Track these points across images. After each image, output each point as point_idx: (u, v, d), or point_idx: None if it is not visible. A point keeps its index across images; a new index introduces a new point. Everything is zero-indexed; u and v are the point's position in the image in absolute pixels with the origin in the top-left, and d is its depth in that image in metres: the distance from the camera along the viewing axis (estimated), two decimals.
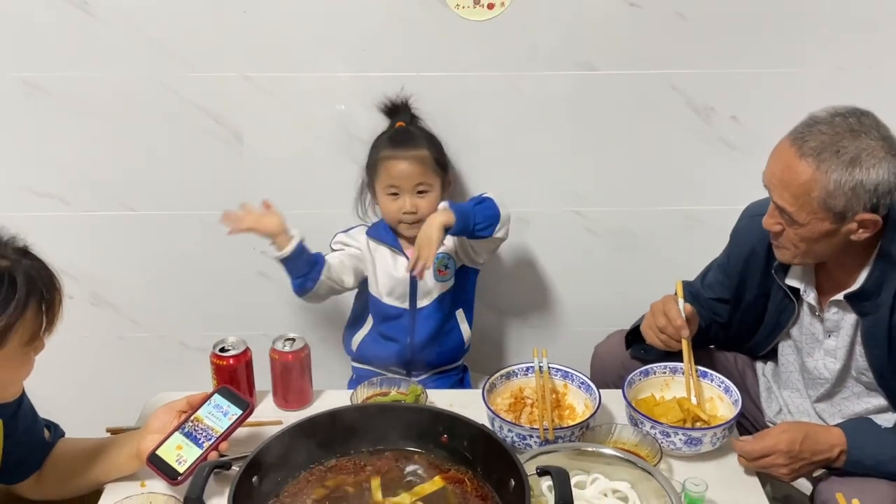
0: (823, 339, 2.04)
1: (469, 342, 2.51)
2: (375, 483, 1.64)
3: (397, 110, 2.44)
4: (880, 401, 2.03)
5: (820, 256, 1.91)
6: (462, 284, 2.45)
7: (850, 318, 1.97)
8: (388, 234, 2.41)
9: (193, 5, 2.38)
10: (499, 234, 2.30)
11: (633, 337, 2.20)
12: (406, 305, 2.41)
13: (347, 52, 2.45)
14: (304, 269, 2.30)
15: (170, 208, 2.62)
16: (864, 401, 2.06)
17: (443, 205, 2.23)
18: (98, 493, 1.78)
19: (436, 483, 1.62)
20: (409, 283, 2.38)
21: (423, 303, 2.41)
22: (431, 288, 2.41)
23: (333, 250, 2.44)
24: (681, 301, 2.08)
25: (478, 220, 2.23)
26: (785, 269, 2.03)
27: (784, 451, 1.83)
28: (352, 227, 2.46)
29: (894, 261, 1.86)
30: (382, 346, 2.44)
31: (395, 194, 2.32)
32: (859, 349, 1.98)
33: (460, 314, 2.48)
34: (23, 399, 1.70)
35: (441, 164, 2.37)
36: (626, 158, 2.60)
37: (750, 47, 2.47)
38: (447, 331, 2.46)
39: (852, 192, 1.76)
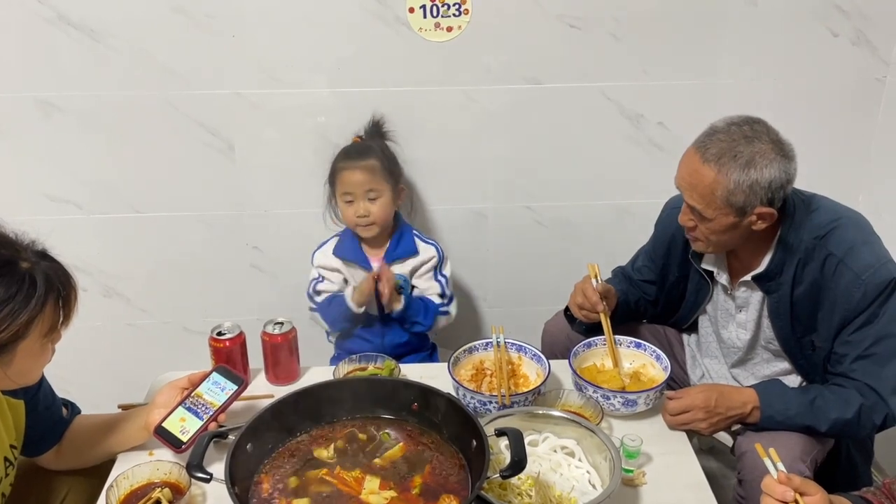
0: (735, 314, 2.06)
1: (434, 336, 2.49)
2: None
3: (372, 126, 2.42)
4: (786, 365, 2.05)
5: (728, 245, 1.93)
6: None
7: (756, 296, 1.99)
8: (353, 249, 2.36)
9: (188, 30, 2.34)
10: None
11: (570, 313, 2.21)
12: (375, 312, 2.36)
13: (326, 71, 2.43)
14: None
15: (171, 210, 2.59)
16: (772, 365, 2.08)
17: (400, 299, 2.29)
18: (111, 462, 1.76)
19: (401, 447, 1.61)
20: (375, 295, 2.31)
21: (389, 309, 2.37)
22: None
23: (316, 270, 2.40)
24: (593, 280, 2.08)
25: (418, 319, 2.34)
26: (700, 255, 2.05)
27: (701, 407, 1.85)
28: (324, 243, 2.40)
29: (791, 247, 1.88)
30: (358, 345, 2.38)
31: (351, 201, 2.28)
32: (766, 322, 2.00)
33: None
34: (42, 382, 1.67)
35: (392, 172, 2.33)
36: (569, 159, 2.60)
37: (673, 63, 2.48)
38: (413, 335, 2.42)
39: (750, 190, 1.77)
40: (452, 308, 2.40)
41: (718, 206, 1.81)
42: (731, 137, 1.78)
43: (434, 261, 2.38)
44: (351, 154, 2.32)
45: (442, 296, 2.38)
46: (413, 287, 2.38)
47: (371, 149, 2.33)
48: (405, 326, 2.36)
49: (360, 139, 2.40)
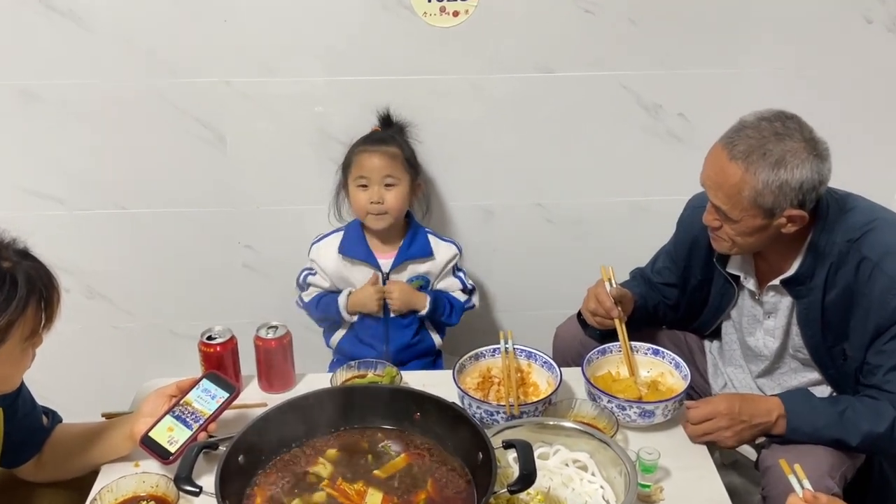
0: (763, 320, 2.06)
1: (440, 343, 2.50)
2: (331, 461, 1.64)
3: (387, 122, 2.45)
4: (815, 375, 2.06)
5: (754, 247, 1.93)
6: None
7: (786, 301, 1.99)
8: (360, 246, 2.38)
9: (177, 15, 2.35)
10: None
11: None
12: (381, 314, 2.38)
13: (323, 58, 2.44)
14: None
15: (159, 206, 2.60)
16: (800, 375, 2.08)
17: (425, 297, 2.36)
18: (94, 473, 1.77)
19: (403, 460, 1.63)
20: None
21: (395, 314, 2.39)
22: None
23: (309, 268, 2.44)
24: (607, 284, 2.09)
25: (443, 320, 2.44)
26: (725, 257, 2.05)
27: (724, 414, 1.85)
28: (325, 236, 2.43)
29: (823, 249, 1.88)
30: (359, 349, 2.40)
31: (365, 186, 2.31)
32: (795, 329, 2.00)
33: (429, 325, 2.46)
34: (21, 388, 1.68)
35: (411, 163, 2.36)
36: (582, 153, 2.60)
37: (694, 50, 2.48)
38: (419, 340, 2.44)
39: (779, 191, 1.77)
40: (476, 300, 2.50)
41: (745, 207, 1.81)
42: (760, 134, 1.78)
43: (456, 259, 2.43)
44: (371, 139, 2.36)
45: (464, 290, 2.45)
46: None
47: (393, 138, 2.37)
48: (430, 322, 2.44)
49: (378, 129, 2.43)
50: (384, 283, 2.37)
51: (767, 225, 1.84)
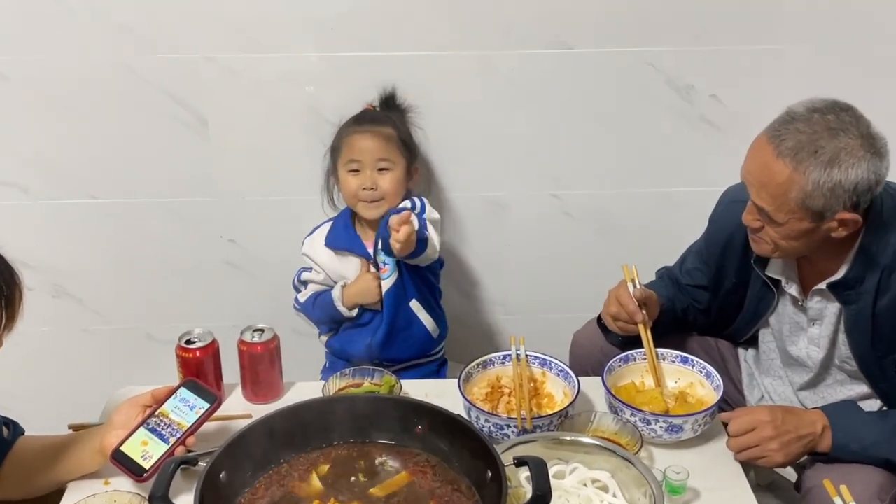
0: (807, 328, 2.06)
1: (439, 332, 2.49)
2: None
3: (389, 103, 2.45)
4: (863, 388, 2.05)
5: (799, 252, 1.92)
6: (409, 277, 2.38)
7: (833, 307, 1.98)
8: (346, 236, 2.39)
9: None
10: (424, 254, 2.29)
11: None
12: (380, 306, 2.38)
13: (316, 32, 2.44)
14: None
15: (133, 196, 2.60)
16: (847, 388, 2.08)
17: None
18: (60, 492, 1.76)
19: (403, 478, 1.63)
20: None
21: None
22: None
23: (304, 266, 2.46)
24: (630, 285, 2.09)
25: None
26: (765, 260, 2.04)
27: (768, 422, 1.83)
28: (317, 228, 2.45)
29: (876, 251, 1.87)
30: (350, 345, 2.42)
31: (357, 170, 2.31)
32: (842, 337, 2.00)
33: (415, 305, 2.43)
34: None
35: (407, 145, 2.36)
36: (604, 139, 2.60)
37: (729, 24, 2.47)
38: (405, 325, 2.41)
39: (831, 193, 1.76)
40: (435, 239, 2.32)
41: (792, 210, 1.79)
42: (812, 128, 1.76)
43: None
44: (362, 119, 2.36)
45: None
46: None
47: (388, 117, 2.37)
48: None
49: (373, 108, 2.43)
50: (377, 269, 2.36)
51: (815, 228, 1.82)
